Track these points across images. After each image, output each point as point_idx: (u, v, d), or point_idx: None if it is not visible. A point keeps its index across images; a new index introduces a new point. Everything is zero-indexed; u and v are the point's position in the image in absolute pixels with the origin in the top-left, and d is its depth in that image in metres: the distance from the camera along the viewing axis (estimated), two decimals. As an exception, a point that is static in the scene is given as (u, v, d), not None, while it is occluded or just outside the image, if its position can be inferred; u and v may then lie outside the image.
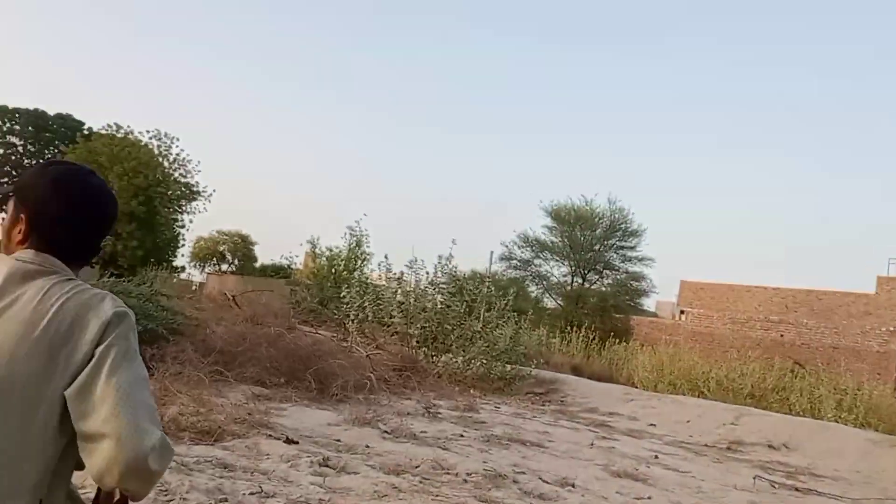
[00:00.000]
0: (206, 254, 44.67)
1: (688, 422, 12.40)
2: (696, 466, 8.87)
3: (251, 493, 4.96)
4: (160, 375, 8.15)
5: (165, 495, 4.69)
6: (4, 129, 42.07)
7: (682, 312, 35.38)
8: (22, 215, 1.50)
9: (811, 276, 76.50)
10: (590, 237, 36.03)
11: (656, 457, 9.11)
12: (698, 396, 15.20)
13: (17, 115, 41.89)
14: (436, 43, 77.09)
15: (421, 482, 5.97)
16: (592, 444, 9.39)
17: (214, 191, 31.59)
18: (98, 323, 1.38)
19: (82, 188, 1.54)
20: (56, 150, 33.55)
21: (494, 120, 74.68)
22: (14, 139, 42.06)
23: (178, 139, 30.08)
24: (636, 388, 16.34)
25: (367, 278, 19.28)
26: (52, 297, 1.39)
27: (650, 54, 67.81)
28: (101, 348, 1.36)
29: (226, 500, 4.76)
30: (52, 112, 42.72)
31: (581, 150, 69.23)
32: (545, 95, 70.77)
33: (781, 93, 61.80)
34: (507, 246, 37.08)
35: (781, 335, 30.69)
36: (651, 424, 12.24)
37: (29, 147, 41.83)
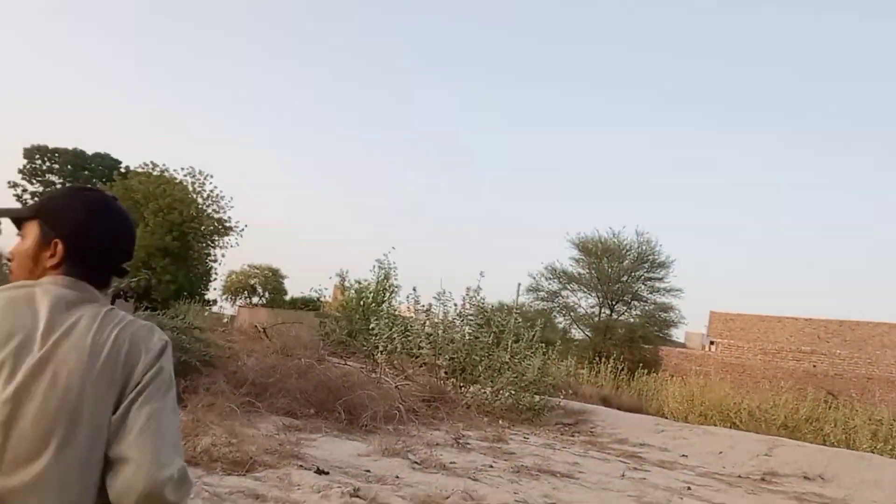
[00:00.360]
0: (238, 287, 45.19)
1: (720, 453, 12.23)
2: (729, 498, 8.76)
3: (283, 522, 5.03)
4: (193, 406, 8.28)
5: (200, 524, 4.76)
6: (44, 168, 43.30)
7: (711, 343, 34.95)
8: (57, 241, 1.48)
9: (844, 306, 75.18)
10: (617, 269, 35.87)
11: (689, 488, 9.01)
12: (730, 427, 14.99)
13: (56, 155, 43.12)
14: (465, 74, 77.99)
15: (451, 512, 6.00)
16: (623, 475, 9.31)
17: (246, 226, 32.05)
18: (149, 354, 1.43)
19: (116, 215, 1.57)
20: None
21: (523, 152, 75.08)
22: (53, 177, 43.26)
23: (211, 176, 30.60)
24: (666, 418, 16.17)
25: (396, 310, 19.39)
26: (107, 326, 1.42)
27: (679, 90, 67.92)
28: (146, 377, 1.40)
29: (258, 529, 4.82)
30: (90, 151, 43.94)
31: (608, 182, 69.24)
32: (573, 128, 71.06)
33: (806, 119, 61.44)
34: (534, 278, 37.09)
35: (814, 365, 30.13)
36: (683, 455, 12.09)
37: (67, 185, 42.93)
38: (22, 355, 1.34)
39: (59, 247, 1.48)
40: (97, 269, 1.52)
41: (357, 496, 6.06)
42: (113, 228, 1.55)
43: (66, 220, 1.50)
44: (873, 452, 12.65)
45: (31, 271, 1.49)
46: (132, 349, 1.42)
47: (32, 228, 1.51)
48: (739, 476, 10.82)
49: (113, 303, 1.55)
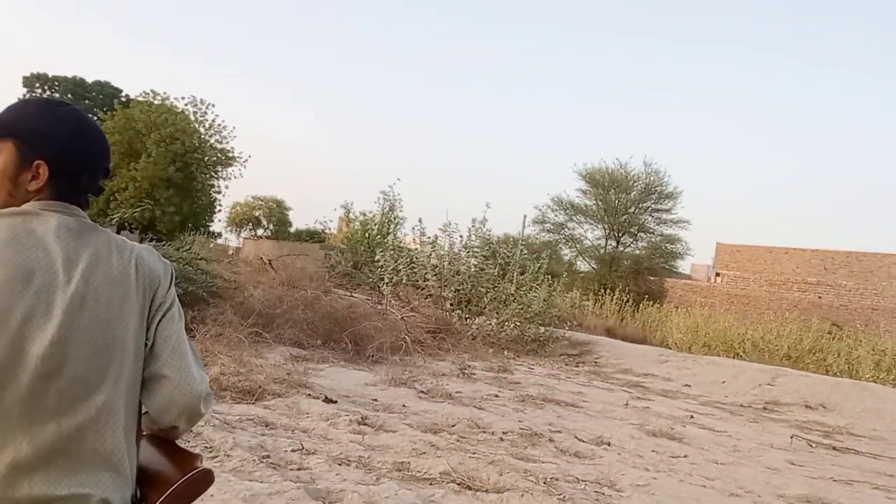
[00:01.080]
0: (242, 219, 45.15)
1: (723, 382, 12.36)
2: (731, 426, 8.87)
3: (293, 450, 5.05)
4: (201, 337, 8.35)
5: (210, 452, 4.79)
6: (44, 97, 42.77)
7: (717, 275, 34.98)
8: (40, 163, 1.37)
9: (852, 237, 74.96)
10: (624, 200, 35.63)
11: (691, 417, 9.12)
12: (733, 358, 15.12)
13: (56, 84, 42.54)
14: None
15: (458, 440, 6.06)
16: (627, 405, 9.42)
17: (250, 156, 31.82)
18: (164, 277, 1.46)
19: (94, 132, 1.47)
20: (95, 118, 33.97)
21: (532, 85, 73.80)
22: (53, 107, 42.74)
23: (213, 105, 30.29)
24: (670, 349, 16.31)
25: (401, 242, 19.39)
26: (124, 252, 1.40)
27: (690, 16, 66.14)
28: (167, 300, 1.45)
29: (268, 456, 4.85)
30: (90, 80, 43.33)
31: (618, 112, 68.18)
32: (583, 58, 69.57)
33: (813, 47, 59.98)
34: (540, 210, 36.94)
35: (819, 297, 30.20)
36: (686, 385, 12.23)
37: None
38: (51, 291, 1.28)
39: (43, 169, 1.37)
40: (83, 190, 1.44)
41: (365, 424, 6.13)
42: (95, 146, 1.46)
43: (47, 140, 1.39)
44: (876, 382, 12.77)
45: (10, 194, 1.37)
46: (152, 274, 1.43)
47: (5, 148, 1.38)
48: (741, 405, 10.95)
49: (118, 234, 1.49)
